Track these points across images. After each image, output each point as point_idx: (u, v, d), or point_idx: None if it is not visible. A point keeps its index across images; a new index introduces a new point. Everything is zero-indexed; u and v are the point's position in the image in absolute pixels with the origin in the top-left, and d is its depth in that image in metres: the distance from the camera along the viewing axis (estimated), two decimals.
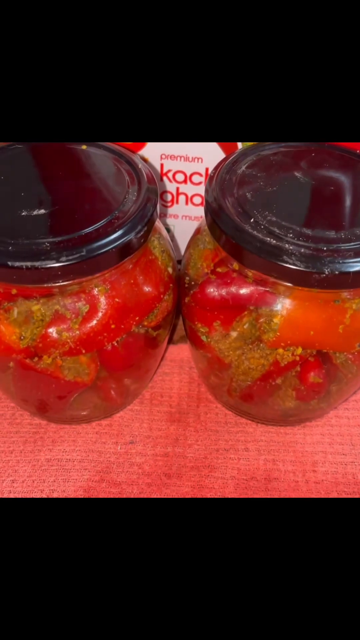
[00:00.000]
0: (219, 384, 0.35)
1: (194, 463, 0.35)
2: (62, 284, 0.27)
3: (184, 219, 0.41)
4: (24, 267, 0.26)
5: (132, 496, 0.33)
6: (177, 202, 0.40)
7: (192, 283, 0.32)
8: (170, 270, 0.33)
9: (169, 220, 0.41)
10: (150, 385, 0.39)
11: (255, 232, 0.28)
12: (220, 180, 0.31)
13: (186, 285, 0.33)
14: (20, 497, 0.33)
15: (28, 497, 0.33)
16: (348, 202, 0.30)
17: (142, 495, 0.33)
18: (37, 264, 0.26)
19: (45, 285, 0.27)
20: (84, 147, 0.32)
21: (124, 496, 0.33)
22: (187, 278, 0.33)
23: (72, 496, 0.33)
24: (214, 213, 0.29)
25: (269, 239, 0.27)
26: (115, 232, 0.27)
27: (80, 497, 0.33)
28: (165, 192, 0.39)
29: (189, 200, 0.39)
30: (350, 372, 0.32)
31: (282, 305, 0.29)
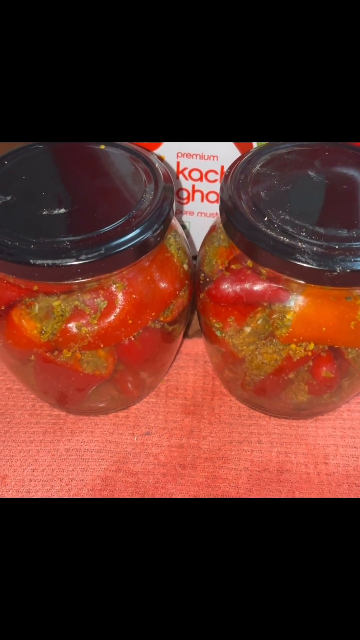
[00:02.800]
0: (233, 378, 0.36)
1: (208, 454, 0.36)
2: (81, 281, 0.28)
3: (200, 216, 0.41)
4: (45, 265, 0.27)
5: (148, 485, 0.34)
6: (192, 199, 0.40)
7: (207, 279, 0.33)
8: (185, 267, 0.34)
9: (185, 217, 0.42)
10: (166, 378, 0.40)
11: (268, 230, 0.28)
12: (235, 179, 0.31)
13: (201, 282, 0.34)
14: (40, 485, 0.34)
15: (48, 485, 0.34)
16: None
17: (157, 485, 0.34)
18: (57, 262, 0.27)
19: (65, 282, 0.28)
20: (102, 146, 0.33)
21: (140, 485, 0.34)
22: (202, 275, 0.34)
23: (90, 485, 0.34)
24: (229, 211, 0.30)
25: (282, 237, 0.28)
26: (132, 230, 0.28)
27: (98, 485, 0.34)
28: (181, 189, 0.40)
29: (204, 197, 0.40)
30: None
31: (295, 302, 0.30)
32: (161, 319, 0.33)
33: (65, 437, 0.37)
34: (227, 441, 0.36)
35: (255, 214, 0.29)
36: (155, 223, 0.29)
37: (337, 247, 0.27)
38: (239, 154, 0.37)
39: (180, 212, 0.41)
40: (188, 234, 0.43)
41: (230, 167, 0.32)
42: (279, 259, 0.28)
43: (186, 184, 0.39)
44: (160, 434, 0.37)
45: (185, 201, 0.41)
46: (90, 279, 0.28)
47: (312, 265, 0.27)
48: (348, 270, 0.27)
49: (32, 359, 0.32)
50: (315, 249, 0.27)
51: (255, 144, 0.36)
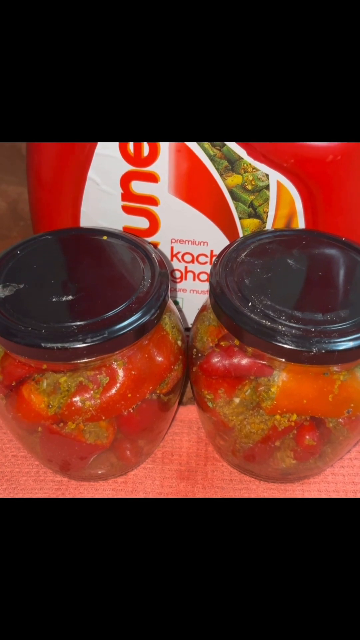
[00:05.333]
0: (224, 445, 0.39)
1: None
2: (86, 360, 0.31)
3: (192, 293, 0.45)
4: (55, 347, 0.30)
5: None
6: (185, 278, 0.44)
7: (199, 355, 0.37)
8: (179, 343, 0.37)
9: (179, 294, 0.46)
10: (162, 444, 0.43)
11: (252, 314, 0.32)
12: (222, 267, 0.35)
13: (194, 356, 0.37)
14: None
15: None
16: (333, 286, 0.34)
17: None
18: (66, 345, 0.30)
19: (72, 362, 0.31)
20: (104, 237, 0.37)
21: None
22: (195, 350, 0.37)
23: None
24: (217, 296, 0.34)
25: (264, 320, 0.32)
26: (132, 315, 0.32)
27: None
28: (174, 270, 0.44)
29: (196, 277, 0.44)
30: (342, 434, 0.36)
31: (278, 376, 0.33)
32: (157, 391, 0.36)
33: None
34: None
35: (240, 299, 0.33)
36: (153, 307, 0.33)
37: (313, 329, 0.31)
38: (226, 241, 0.41)
39: (174, 289, 0.45)
40: (181, 310, 0.46)
41: (219, 255, 0.36)
42: (262, 340, 0.31)
43: (179, 265, 0.44)
44: None
45: (178, 280, 0.45)
46: (94, 358, 0.31)
47: (291, 346, 0.30)
48: (323, 351, 0.30)
49: (39, 430, 0.35)
50: (294, 331, 0.31)
51: (240, 233, 0.40)
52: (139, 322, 0.32)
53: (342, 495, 0.39)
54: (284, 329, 0.31)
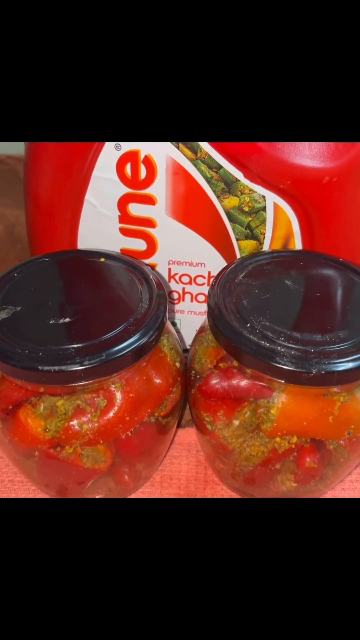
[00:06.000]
0: (224, 469, 0.38)
1: None
2: (84, 383, 0.31)
3: (190, 314, 0.45)
4: (52, 370, 0.30)
5: None
6: (183, 300, 0.44)
7: (198, 376, 0.36)
8: (178, 364, 0.37)
9: (177, 315, 0.45)
10: (160, 468, 0.42)
11: (251, 335, 0.32)
12: (220, 288, 0.35)
13: (192, 378, 0.37)
14: None
15: None
16: (332, 306, 0.34)
17: None
18: (63, 367, 0.30)
19: (69, 385, 0.31)
20: (102, 259, 0.37)
21: None
22: (193, 372, 0.37)
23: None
24: (215, 318, 0.34)
25: (263, 342, 0.31)
26: (130, 337, 0.32)
27: None
28: (172, 291, 0.44)
29: (193, 298, 0.44)
30: (343, 456, 0.35)
31: (278, 398, 0.33)
32: (156, 413, 0.36)
33: None
34: None
35: (238, 320, 0.33)
36: (151, 329, 0.33)
37: (312, 350, 0.31)
38: (224, 262, 0.41)
39: (172, 311, 0.45)
40: (178, 331, 0.46)
41: (217, 277, 0.36)
42: (261, 361, 0.31)
43: (177, 287, 0.44)
44: None
45: (176, 302, 0.45)
46: (92, 381, 0.31)
47: (290, 367, 0.30)
48: (323, 372, 0.30)
49: (35, 454, 0.34)
50: (293, 352, 0.31)
51: (238, 254, 0.40)
52: (137, 344, 0.32)
53: None
54: (283, 350, 0.31)
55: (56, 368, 0.30)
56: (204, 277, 0.43)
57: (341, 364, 0.30)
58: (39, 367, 0.30)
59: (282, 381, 0.31)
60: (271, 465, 0.35)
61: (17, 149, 0.81)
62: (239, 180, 0.37)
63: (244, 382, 0.33)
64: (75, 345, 0.31)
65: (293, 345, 0.31)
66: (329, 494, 0.41)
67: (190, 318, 0.46)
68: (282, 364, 0.30)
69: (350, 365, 0.30)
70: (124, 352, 0.31)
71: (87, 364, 0.30)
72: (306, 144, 0.36)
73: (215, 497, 0.40)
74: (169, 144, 0.37)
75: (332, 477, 0.37)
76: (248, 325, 0.32)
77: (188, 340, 0.47)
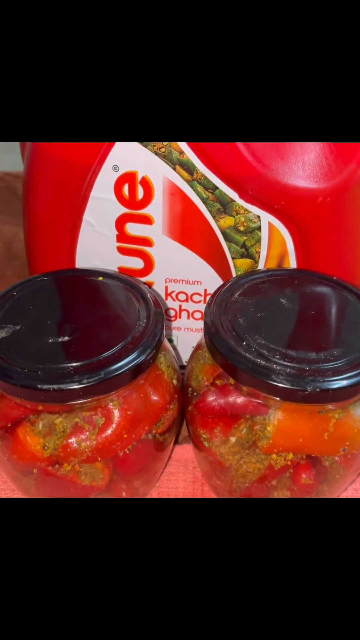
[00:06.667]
0: (221, 485, 0.38)
1: None
2: (82, 401, 0.31)
3: (186, 331, 0.46)
4: (51, 389, 0.30)
5: None
6: (179, 317, 0.45)
7: (195, 393, 0.37)
8: (175, 382, 0.37)
9: (174, 332, 0.46)
10: (157, 484, 0.42)
11: (247, 353, 0.32)
12: (216, 306, 0.36)
13: (189, 395, 0.37)
14: None
15: None
16: (326, 325, 0.35)
17: None
18: (62, 386, 0.30)
19: (68, 403, 0.31)
20: (100, 278, 0.38)
21: None
22: (190, 389, 0.37)
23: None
24: (212, 335, 0.34)
25: (258, 360, 0.32)
26: (128, 355, 0.32)
27: None
28: (169, 309, 0.44)
29: (190, 315, 0.45)
30: (338, 472, 0.35)
31: (274, 415, 0.33)
32: (153, 431, 0.36)
33: None
34: None
35: (234, 338, 0.33)
36: (149, 347, 0.33)
37: (307, 368, 0.31)
38: (220, 280, 0.42)
39: (169, 327, 0.46)
40: (175, 347, 0.47)
41: (213, 295, 0.37)
42: (257, 379, 0.31)
43: (173, 304, 0.44)
44: None
45: (173, 319, 0.45)
46: (90, 399, 0.32)
47: (286, 385, 0.31)
48: (318, 390, 0.30)
49: (34, 471, 0.34)
50: (288, 370, 0.31)
51: (233, 272, 0.41)
52: (135, 362, 0.32)
53: None
54: (278, 367, 0.31)
55: (55, 387, 0.30)
56: (200, 295, 0.43)
57: (336, 382, 0.31)
58: (38, 386, 0.30)
59: (278, 398, 0.32)
60: (267, 481, 0.35)
61: (15, 165, 0.82)
62: (235, 201, 0.38)
63: (240, 400, 0.34)
64: (74, 364, 0.31)
65: (288, 363, 0.32)
66: None
67: (187, 335, 0.46)
68: (278, 382, 0.31)
69: (344, 382, 0.31)
70: (122, 370, 0.31)
71: (86, 382, 0.30)
72: (300, 165, 0.37)
73: None
74: (166, 166, 0.37)
75: (328, 493, 0.37)
76: (244, 343, 0.33)
77: (185, 357, 0.47)
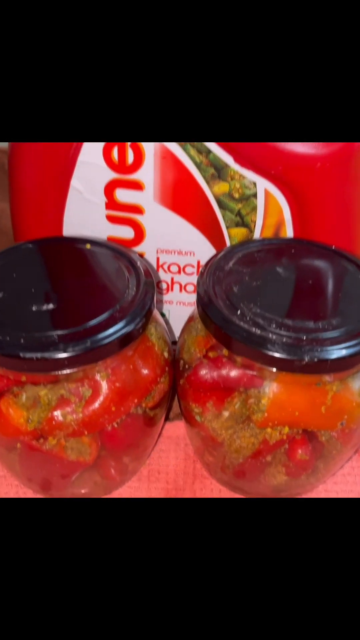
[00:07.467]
0: (213, 461, 0.37)
1: None
2: (68, 371, 0.30)
3: (178, 305, 0.44)
4: (34, 358, 0.29)
5: None
6: (172, 290, 0.43)
7: (187, 366, 0.35)
8: (166, 354, 0.36)
9: (165, 306, 0.44)
10: (148, 462, 0.41)
11: (241, 322, 0.31)
12: (210, 275, 0.34)
13: (181, 369, 0.36)
14: None
15: None
16: (324, 294, 0.33)
17: None
18: (46, 355, 0.29)
19: (52, 373, 0.30)
20: (87, 246, 0.36)
21: None
22: (182, 362, 0.36)
23: None
24: (205, 305, 0.32)
25: (254, 329, 0.30)
26: (116, 324, 0.31)
27: None
28: (160, 281, 0.43)
29: (182, 288, 0.43)
30: (335, 448, 0.34)
31: (269, 388, 0.32)
32: (143, 404, 0.34)
33: None
34: None
35: (229, 307, 0.32)
36: (137, 316, 0.31)
37: (304, 337, 0.30)
38: (213, 251, 0.40)
39: (160, 301, 0.44)
40: (167, 322, 0.45)
41: (206, 264, 0.35)
42: (252, 349, 0.30)
43: (165, 276, 0.42)
44: None
45: (165, 292, 0.43)
46: (76, 369, 0.30)
47: (282, 354, 0.29)
48: (315, 359, 0.29)
49: (17, 446, 0.33)
50: (284, 339, 0.30)
51: (228, 242, 0.39)
52: (123, 331, 0.30)
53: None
54: (274, 337, 0.30)
55: (39, 355, 0.29)
56: (193, 267, 0.42)
57: (334, 351, 0.29)
58: (21, 354, 0.29)
59: (274, 369, 0.30)
60: (262, 457, 0.34)
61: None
62: (229, 166, 0.36)
63: (234, 372, 0.32)
64: (59, 332, 0.30)
65: (285, 333, 0.30)
66: (321, 489, 0.40)
67: (179, 309, 0.44)
68: (274, 351, 0.29)
69: (343, 352, 0.29)
70: (109, 339, 0.30)
71: (71, 351, 0.29)
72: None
73: (204, 491, 0.39)
74: None
75: (324, 470, 0.36)
76: (238, 312, 0.31)
77: (177, 332, 0.45)
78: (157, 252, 0.41)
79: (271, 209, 0.38)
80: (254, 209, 0.38)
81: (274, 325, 0.31)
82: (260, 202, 0.38)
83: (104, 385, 0.32)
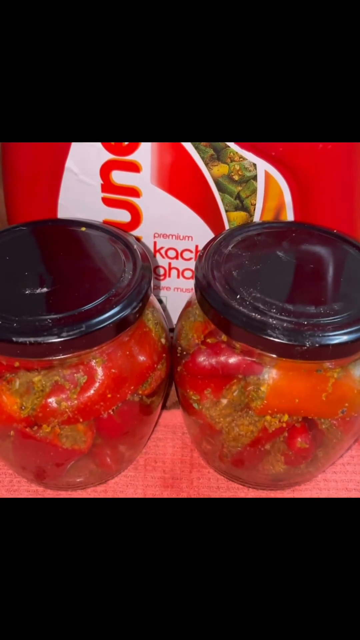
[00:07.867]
0: (211, 450, 0.36)
1: None
2: (62, 357, 0.29)
3: (176, 291, 0.43)
4: (27, 342, 0.28)
5: None
6: (169, 275, 0.42)
7: (184, 353, 0.34)
8: (163, 340, 0.35)
9: (162, 292, 0.43)
10: (144, 450, 0.40)
11: (241, 307, 0.30)
12: (208, 259, 0.33)
13: (178, 355, 0.35)
14: None
15: None
16: (326, 278, 0.32)
17: None
18: (39, 339, 0.28)
19: (46, 358, 0.29)
20: (83, 229, 0.35)
21: None
22: (179, 348, 0.35)
23: None
24: (203, 289, 0.32)
25: (254, 314, 0.30)
26: (112, 308, 0.30)
27: None
28: (158, 267, 0.42)
29: (180, 274, 0.42)
30: (335, 437, 0.34)
31: (269, 374, 0.31)
32: (139, 392, 0.34)
33: None
34: None
35: (228, 292, 0.31)
36: (134, 301, 0.31)
37: (305, 322, 0.29)
38: (212, 235, 0.39)
39: (157, 287, 0.43)
40: (165, 308, 0.44)
41: (205, 248, 0.34)
42: (252, 334, 0.29)
43: (163, 261, 0.42)
44: None
45: (162, 277, 0.42)
46: (71, 355, 0.29)
47: (282, 340, 0.28)
48: (317, 345, 0.28)
49: (11, 434, 0.32)
50: (285, 324, 0.29)
51: (227, 226, 0.38)
52: (119, 315, 0.30)
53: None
54: (274, 322, 0.29)
55: (32, 340, 0.28)
56: (191, 252, 0.41)
57: (336, 337, 0.28)
58: (14, 339, 0.28)
59: (274, 355, 0.29)
60: (260, 445, 0.33)
61: None
62: (229, 147, 0.35)
63: (233, 358, 0.32)
64: (53, 316, 0.29)
65: (285, 318, 0.29)
66: (320, 478, 0.39)
67: (176, 295, 0.44)
68: (274, 337, 0.28)
69: (345, 338, 0.28)
70: (105, 323, 0.29)
71: (66, 335, 0.28)
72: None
73: (201, 480, 0.38)
74: None
75: (324, 459, 0.35)
76: (238, 296, 0.31)
77: (175, 319, 0.45)
78: (154, 236, 0.40)
79: (271, 192, 0.37)
80: (254, 191, 0.37)
81: (274, 310, 0.30)
82: (260, 184, 0.37)
83: (100, 372, 0.31)
